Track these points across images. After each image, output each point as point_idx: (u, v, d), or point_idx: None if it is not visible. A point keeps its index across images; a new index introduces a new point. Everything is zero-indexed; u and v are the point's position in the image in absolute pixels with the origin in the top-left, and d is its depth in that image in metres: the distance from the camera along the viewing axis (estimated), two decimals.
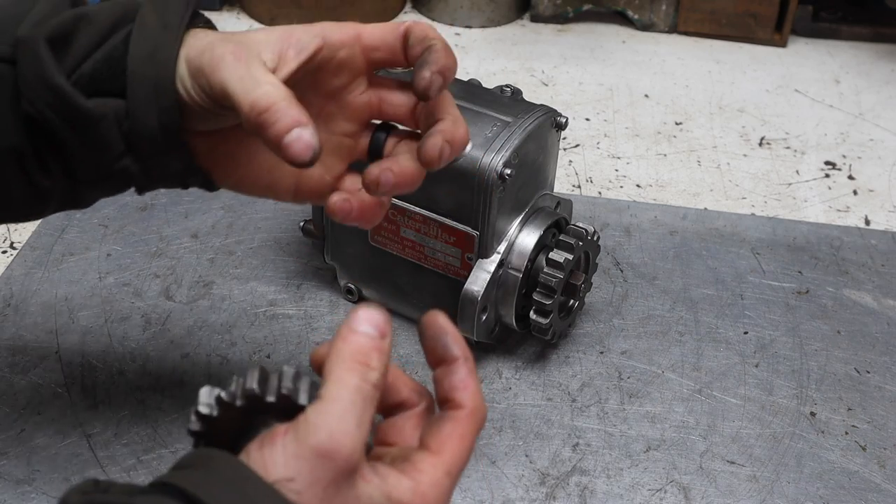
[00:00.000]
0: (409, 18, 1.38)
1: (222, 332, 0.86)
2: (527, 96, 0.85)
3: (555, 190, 0.87)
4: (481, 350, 0.85)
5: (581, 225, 0.81)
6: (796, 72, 1.30)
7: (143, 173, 0.60)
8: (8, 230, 0.98)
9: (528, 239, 0.80)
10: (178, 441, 0.76)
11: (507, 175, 0.75)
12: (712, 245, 0.98)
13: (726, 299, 0.92)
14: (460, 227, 0.78)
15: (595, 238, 0.83)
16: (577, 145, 1.14)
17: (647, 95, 1.23)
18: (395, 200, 0.80)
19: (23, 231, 0.98)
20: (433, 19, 1.37)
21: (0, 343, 0.84)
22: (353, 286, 0.88)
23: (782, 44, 1.34)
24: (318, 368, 0.50)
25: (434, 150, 0.58)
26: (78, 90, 0.56)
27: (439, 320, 0.52)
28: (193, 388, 0.81)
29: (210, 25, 0.61)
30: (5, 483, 0.73)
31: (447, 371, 0.51)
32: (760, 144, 1.16)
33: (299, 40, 0.60)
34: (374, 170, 0.59)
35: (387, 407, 0.53)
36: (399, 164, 0.59)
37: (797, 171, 1.12)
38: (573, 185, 1.07)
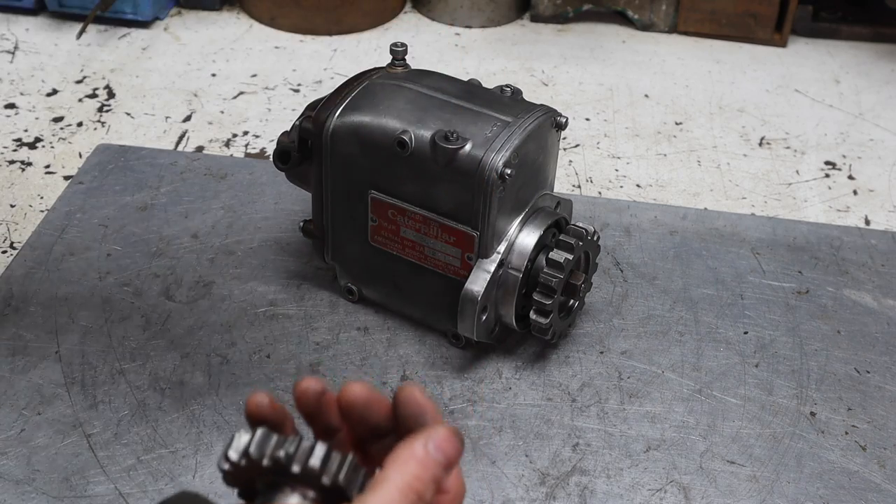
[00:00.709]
0: (409, 18, 1.38)
1: (222, 332, 0.86)
2: (527, 96, 0.85)
3: (555, 190, 0.87)
4: (481, 350, 0.85)
5: (581, 225, 0.81)
6: (796, 72, 1.30)
7: None
8: (8, 230, 0.98)
9: (528, 239, 0.80)
10: (178, 441, 0.76)
11: (507, 175, 0.75)
12: (712, 245, 0.98)
13: (726, 299, 0.92)
14: (460, 227, 0.78)
15: (595, 238, 0.83)
16: (577, 145, 1.14)
17: (647, 95, 1.23)
18: (395, 200, 0.80)
19: (23, 231, 0.98)
20: (433, 19, 1.37)
21: (0, 343, 0.84)
22: (353, 286, 0.88)
23: (782, 44, 1.34)
24: (257, 416, 0.50)
25: None
26: None
27: (416, 396, 0.50)
28: (193, 388, 0.81)
29: None
30: (5, 483, 0.73)
31: None
32: (760, 144, 1.16)
33: None
34: None
35: None
36: None
37: (797, 171, 1.12)
38: (573, 185, 1.07)
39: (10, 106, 1.17)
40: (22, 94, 1.19)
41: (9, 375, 0.81)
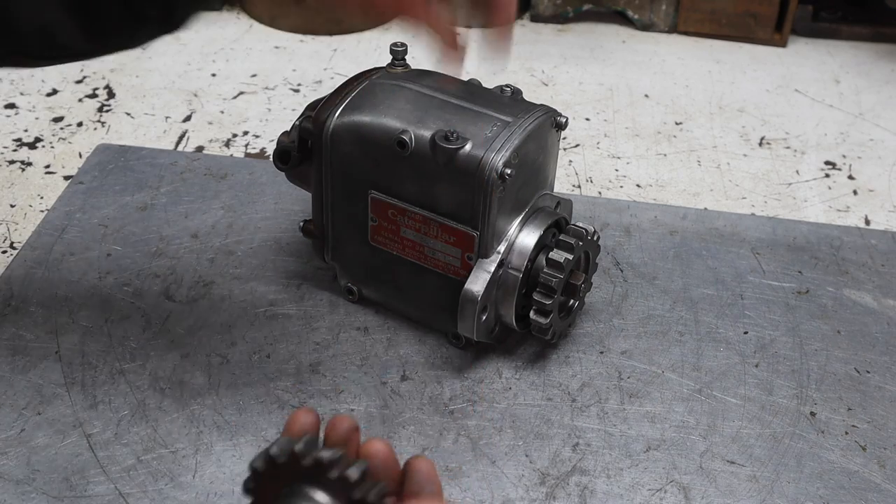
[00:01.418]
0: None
1: (222, 332, 0.86)
2: (527, 96, 0.85)
3: (555, 190, 0.87)
4: (481, 350, 0.85)
5: (581, 225, 0.81)
6: (796, 72, 1.30)
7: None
8: (8, 230, 0.98)
9: (528, 239, 0.80)
10: (178, 441, 0.76)
11: (507, 175, 0.75)
12: (712, 245, 0.98)
13: (726, 299, 0.92)
14: (460, 227, 0.78)
15: (595, 238, 0.83)
16: (577, 145, 1.14)
17: (647, 95, 1.23)
18: (395, 200, 0.80)
19: (23, 231, 0.98)
20: None
21: (0, 343, 0.84)
22: (353, 286, 0.88)
23: (782, 44, 1.34)
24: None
25: None
26: None
27: (424, 467, 0.53)
28: (193, 388, 0.81)
29: None
30: (5, 483, 0.73)
31: None
32: (760, 144, 1.16)
33: None
34: None
35: None
36: None
37: (797, 171, 1.12)
38: (573, 185, 1.07)
39: (10, 106, 1.17)
40: (22, 94, 1.19)
41: (9, 375, 0.81)
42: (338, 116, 0.80)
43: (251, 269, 0.92)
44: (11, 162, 1.08)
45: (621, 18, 1.38)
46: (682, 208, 1.03)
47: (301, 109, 0.88)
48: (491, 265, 0.78)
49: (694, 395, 0.83)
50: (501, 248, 0.79)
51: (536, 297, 0.79)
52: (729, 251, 0.97)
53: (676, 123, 1.19)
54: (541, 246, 0.80)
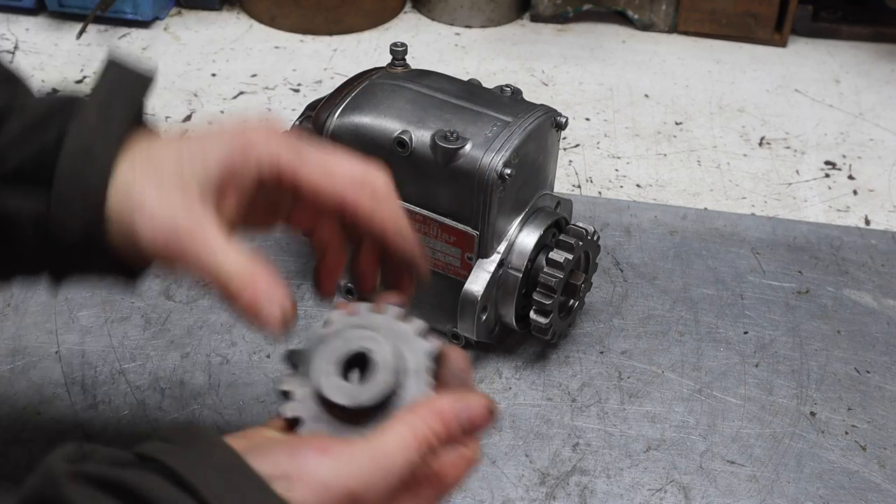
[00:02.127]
0: (409, 18, 1.38)
1: (222, 332, 0.86)
2: (527, 96, 0.85)
3: (555, 190, 0.87)
4: (481, 350, 0.85)
5: (581, 225, 0.81)
6: (796, 72, 1.30)
7: (56, 273, 0.56)
8: None
9: (528, 239, 0.80)
10: None
11: (507, 175, 0.75)
12: (712, 245, 0.98)
13: (726, 299, 0.92)
14: (460, 227, 0.78)
15: (595, 238, 0.83)
16: (577, 145, 1.14)
17: (647, 95, 1.23)
18: None
19: None
20: (433, 19, 1.37)
21: (0, 343, 0.84)
22: (353, 286, 0.88)
23: (782, 44, 1.34)
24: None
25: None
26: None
27: (456, 358, 0.54)
28: (193, 388, 0.81)
29: (147, 124, 0.57)
30: (5, 483, 0.73)
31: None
32: (760, 144, 1.16)
33: (240, 178, 0.55)
34: None
35: None
36: None
37: (797, 171, 1.12)
38: (573, 185, 1.07)
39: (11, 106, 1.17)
40: None
41: (9, 375, 0.81)
42: (338, 116, 0.80)
43: None
44: None
45: (621, 18, 1.38)
46: (682, 208, 1.03)
47: (301, 109, 0.88)
48: (491, 265, 0.78)
49: (694, 395, 0.83)
50: (501, 247, 0.79)
51: (536, 296, 0.79)
52: (729, 251, 0.97)
53: (676, 123, 1.19)
54: (541, 246, 0.80)
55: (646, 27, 1.36)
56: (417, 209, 0.79)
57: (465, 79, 0.86)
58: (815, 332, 0.89)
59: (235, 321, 0.87)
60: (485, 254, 0.78)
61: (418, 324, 0.54)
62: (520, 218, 0.80)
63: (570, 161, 1.11)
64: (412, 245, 0.58)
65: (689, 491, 0.75)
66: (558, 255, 0.79)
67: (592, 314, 0.89)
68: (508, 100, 0.82)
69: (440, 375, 0.53)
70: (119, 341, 0.84)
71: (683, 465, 0.77)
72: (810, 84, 1.27)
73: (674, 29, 1.36)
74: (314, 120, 0.81)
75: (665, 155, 1.13)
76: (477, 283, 0.78)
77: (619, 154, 1.13)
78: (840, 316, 0.91)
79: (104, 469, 0.43)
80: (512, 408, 0.81)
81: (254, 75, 1.24)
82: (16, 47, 1.28)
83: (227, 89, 1.21)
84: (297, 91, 1.21)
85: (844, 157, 1.14)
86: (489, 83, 0.88)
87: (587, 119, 1.18)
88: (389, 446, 0.47)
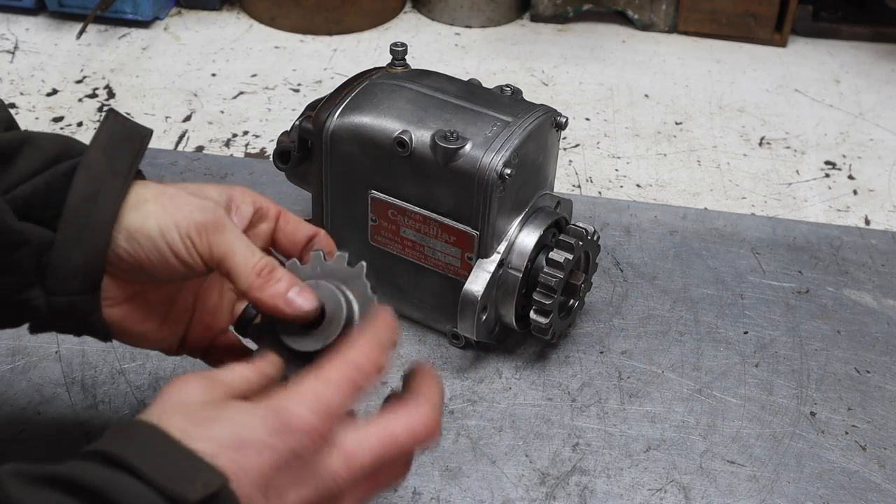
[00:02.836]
0: (409, 18, 1.38)
1: None
2: (527, 96, 0.85)
3: (555, 190, 0.87)
4: (481, 350, 0.85)
5: (581, 225, 0.81)
6: (796, 72, 1.30)
7: (46, 308, 0.58)
8: None
9: (528, 239, 0.80)
10: None
11: (507, 175, 0.75)
12: (712, 245, 0.98)
13: (726, 299, 0.92)
14: (460, 226, 0.78)
15: (595, 238, 0.83)
16: (577, 145, 1.14)
17: (647, 95, 1.23)
18: (395, 200, 0.80)
19: None
20: (433, 19, 1.37)
21: (0, 343, 0.84)
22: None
23: (782, 44, 1.34)
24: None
25: None
26: (10, 209, 0.56)
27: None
28: None
29: (143, 177, 0.62)
30: None
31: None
32: (760, 144, 1.16)
33: (239, 208, 0.63)
34: None
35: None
36: None
37: (797, 171, 1.12)
38: (573, 185, 1.07)
39: (11, 106, 1.17)
40: (22, 94, 1.19)
41: (9, 375, 0.81)
42: (338, 116, 0.80)
43: None
44: None
45: (621, 18, 1.38)
46: (682, 208, 1.03)
47: (301, 109, 0.88)
48: (491, 265, 0.78)
49: (694, 395, 0.83)
50: (501, 247, 0.79)
51: (536, 296, 0.79)
52: (729, 251, 0.97)
53: (676, 123, 1.19)
54: (541, 246, 0.80)
55: (646, 27, 1.36)
56: (417, 209, 0.79)
57: (465, 79, 0.86)
58: (815, 332, 0.89)
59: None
60: (485, 254, 0.78)
61: (360, 265, 0.60)
62: (520, 218, 0.80)
63: (570, 161, 1.11)
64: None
65: (689, 491, 0.75)
66: (558, 255, 0.79)
67: (592, 314, 0.89)
68: (508, 100, 0.82)
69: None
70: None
71: (683, 465, 0.77)
72: (810, 84, 1.27)
73: (674, 29, 1.36)
74: (314, 120, 0.81)
75: (665, 155, 1.13)
76: (477, 283, 0.78)
77: (619, 154, 1.13)
78: (840, 316, 0.91)
79: (43, 467, 0.45)
80: (512, 408, 0.81)
81: (254, 75, 1.24)
82: (16, 47, 1.28)
83: (227, 89, 1.21)
84: (297, 91, 1.21)
85: (844, 157, 1.14)
86: (489, 83, 0.88)
87: (587, 119, 1.18)
88: (287, 401, 0.50)
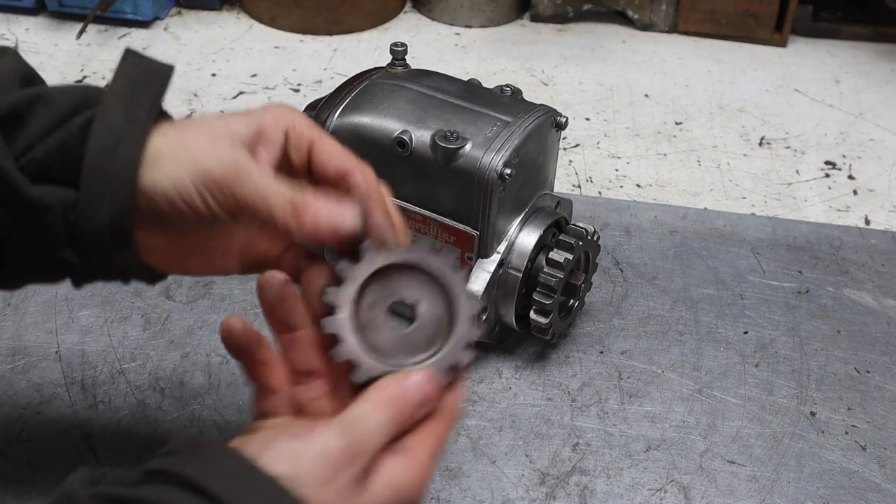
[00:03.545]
0: (409, 18, 1.38)
1: None
2: (527, 96, 0.85)
3: (555, 190, 0.87)
4: (481, 350, 0.85)
5: (581, 225, 0.81)
6: (796, 72, 1.30)
7: (82, 266, 0.56)
8: None
9: (528, 239, 0.80)
10: None
11: (507, 175, 0.75)
12: (712, 245, 0.98)
13: (726, 299, 0.92)
14: (460, 226, 0.78)
15: (595, 238, 0.83)
16: (577, 145, 1.14)
17: (647, 95, 1.23)
18: (395, 200, 0.80)
19: None
20: (433, 19, 1.37)
21: (0, 343, 0.84)
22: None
23: (782, 44, 1.34)
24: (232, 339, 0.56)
25: None
26: (25, 175, 0.53)
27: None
28: (193, 388, 0.81)
29: (169, 117, 0.59)
30: (5, 483, 0.73)
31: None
32: (760, 144, 1.16)
33: (270, 139, 0.58)
34: None
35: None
36: None
37: (797, 171, 1.12)
38: (573, 185, 1.07)
39: None
40: None
41: (9, 375, 0.81)
42: (338, 116, 0.80)
43: None
44: None
45: (621, 18, 1.38)
46: (682, 208, 1.03)
47: (301, 109, 0.88)
48: (491, 265, 0.78)
49: (694, 394, 0.83)
50: (501, 247, 0.79)
51: (536, 297, 0.79)
52: (729, 251, 0.97)
53: (676, 123, 1.19)
54: (541, 246, 0.80)
55: (646, 27, 1.36)
56: (417, 209, 0.79)
57: (465, 79, 0.86)
58: (815, 332, 0.89)
59: None
60: (485, 254, 0.78)
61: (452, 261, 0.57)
62: (520, 218, 0.80)
63: (570, 161, 1.11)
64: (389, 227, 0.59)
65: (689, 491, 0.75)
66: (558, 255, 0.79)
67: (592, 314, 0.89)
68: (508, 100, 0.82)
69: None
70: (119, 341, 0.84)
71: (683, 465, 0.77)
72: (810, 84, 1.27)
73: (674, 29, 1.36)
74: (314, 120, 0.81)
75: (665, 155, 1.13)
76: (477, 283, 0.78)
77: (619, 154, 1.13)
78: (840, 316, 0.91)
79: (122, 489, 0.44)
80: (512, 408, 0.81)
81: (254, 75, 1.24)
82: (16, 47, 1.28)
83: (227, 89, 1.21)
84: (297, 91, 1.21)
85: (844, 157, 1.14)
86: (489, 83, 0.88)
87: (587, 119, 1.18)
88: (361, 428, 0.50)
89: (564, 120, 0.82)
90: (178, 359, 0.83)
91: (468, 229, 0.78)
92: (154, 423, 0.78)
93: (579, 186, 1.07)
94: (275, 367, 0.57)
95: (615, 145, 1.14)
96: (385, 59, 0.86)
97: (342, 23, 1.33)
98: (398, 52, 0.85)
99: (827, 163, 1.13)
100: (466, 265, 0.77)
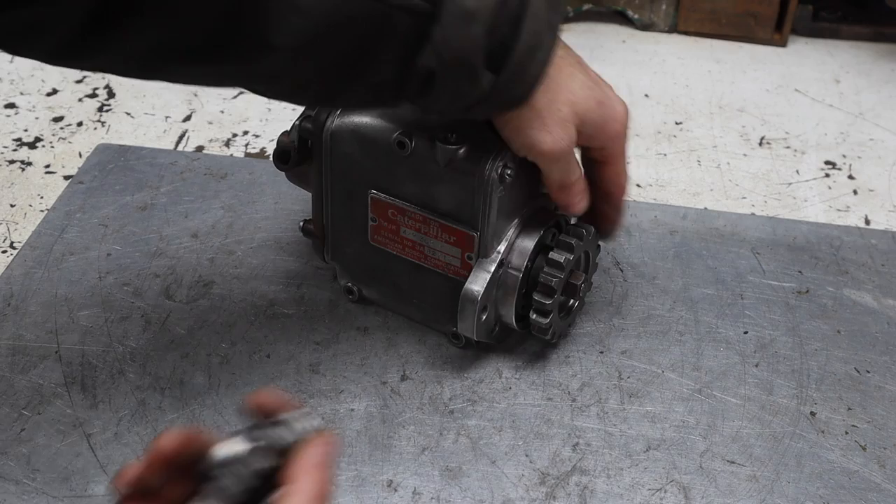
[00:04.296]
0: None
1: (222, 332, 0.86)
2: None
3: None
4: (481, 350, 0.85)
5: (581, 225, 0.81)
6: (796, 71, 1.30)
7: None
8: (8, 230, 0.98)
9: (527, 239, 0.80)
10: None
11: (508, 175, 0.75)
12: (712, 245, 0.98)
13: (726, 299, 0.92)
14: (460, 227, 0.78)
15: (595, 238, 0.83)
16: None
17: (647, 95, 1.23)
18: (394, 200, 0.80)
19: (23, 231, 0.98)
20: None
21: (0, 343, 0.84)
22: (353, 286, 0.88)
23: (782, 43, 1.34)
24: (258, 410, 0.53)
25: None
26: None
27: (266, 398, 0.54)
28: (193, 388, 0.81)
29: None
30: (5, 483, 0.73)
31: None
32: (760, 144, 1.16)
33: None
34: None
35: None
36: None
37: (797, 171, 1.12)
38: None
39: (10, 106, 1.17)
40: (22, 93, 1.19)
41: (9, 375, 0.81)
42: (338, 116, 0.80)
43: (251, 269, 0.92)
44: (11, 162, 1.08)
45: (621, 18, 1.38)
46: (682, 208, 1.03)
47: (301, 109, 0.88)
48: (491, 265, 0.78)
49: (694, 394, 0.83)
50: (501, 247, 0.79)
51: (536, 296, 0.79)
52: (729, 251, 0.97)
53: (676, 123, 1.19)
54: (541, 246, 0.80)
55: (646, 27, 1.36)
56: (417, 209, 0.79)
57: None
58: (815, 331, 0.89)
59: (235, 321, 0.87)
60: (485, 254, 0.78)
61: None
62: (520, 218, 0.80)
63: None
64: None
65: (689, 491, 0.75)
66: (558, 255, 0.79)
67: (592, 314, 0.89)
68: None
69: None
70: (119, 341, 0.85)
71: (683, 465, 0.77)
72: (810, 84, 1.27)
73: (674, 29, 1.36)
74: (314, 120, 0.81)
75: (665, 155, 1.13)
76: (477, 282, 0.78)
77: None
78: (840, 316, 0.91)
79: None
80: (512, 408, 0.81)
81: None
82: None
83: (227, 89, 1.21)
84: None
85: (844, 156, 1.14)
86: None
87: None
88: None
89: None
90: (178, 359, 0.83)
91: (468, 229, 0.78)
92: (154, 423, 0.78)
93: None
94: None
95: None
96: None
97: None
98: None
99: (827, 163, 1.13)
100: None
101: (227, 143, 1.12)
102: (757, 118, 1.20)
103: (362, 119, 0.79)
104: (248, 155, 1.11)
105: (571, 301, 0.84)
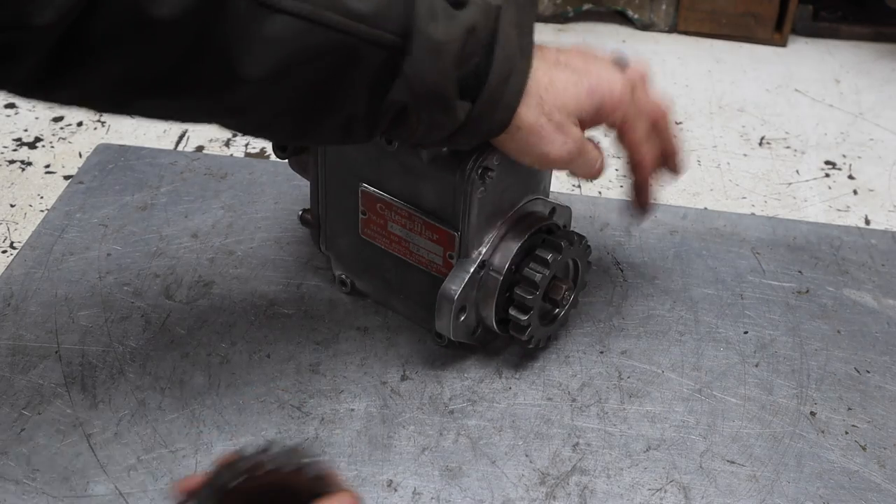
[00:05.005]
0: None
1: (222, 332, 0.86)
2: None
3: (555, 190, 0.87)
4: (481, 350, 0.85)
5: (572, 231, 0.80)
6: (796, 71, 1.30)
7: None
8: (8, 230, 0.98)
9: (512, 242, 0.78)
10: (178, 441, 0.76)
11: (489, 176, 0.74)
12: (712, 245, 0.98)
13: (726, 299, 0.92)
14: (442, 225, 0.78)
15: (585, 247, 0.82)
16: None
17: None
18: (382, 194, 0.80)
19: (23, 231, 0.98)
20: None
21: (0, 343, 0.84)
22: (345, 277, 0.88)
23: (782, 43, 1.34)
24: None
25: None
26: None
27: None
28: (193, 388, 0.81)
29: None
30: (5, 483, 0.73)
31: None
32: (760, 144, 1.16)
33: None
34: None
35: None
36: None
37: (797, 171, 1.12)
38: (573, 185, 1.07)
39: (10, 106, 1.17)
40: None
41: (9, 375, 0.81)
42: None
43: (251, 269, 0.92)
44: (11, 162, 1.08)
45: (621, 18, 1.38)
46: (682, 208, 1.03)
47: None
48: (471, 265, 0.77)
49: (694, 394, 0.83)
50: (483, 248, 0.78)
51: (518, 290, 0.78)
52: (729, 251, 0.97)
53: (676, 123, 1.19)
54: (526, 250, 0.79)
55: (646, 27, 1.36)
56: (403, 204, 0.79)
57: None
58: (815, 331, 0.89)
59: (235, 321, 0.87)
60: (465, 254, 0.77)
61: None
62: (505, 220, 0.79)
63: None
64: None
65: (689, 491, 0.75)
66: (544, 253, 0.78)
67: (592, 314, 0.89)
68: None
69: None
70: (119, 341, 0.84)
71: (683, 465, 0.77)
72: (810, 84, 1.27)
73: (674, 29, 1.36)
74: None
75: None
76: (454, 282, 0.77)
77: (619, 154, 1.13)
78: (840, 316, 0.91)
79: None
80: (512, 408, 0.81)
81: None
82: None
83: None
84: None
85: (844, 156, 1.14)
86: None
87: None
88: None
89: None
90: (178, 359, 0.83)
91: (449, 228, 0.77)
92: (154, 423, 0.78)
93: (580, 186, 1.07)
94: None
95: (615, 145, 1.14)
96: None
97: None
98: None
99: (827, 163, 1.13)
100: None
101: (227, 143, 1.12)
102: (757, 118, 1.20)
103: None
104: (248, 155, 1.11)
105: (556, 310, 0.83)
